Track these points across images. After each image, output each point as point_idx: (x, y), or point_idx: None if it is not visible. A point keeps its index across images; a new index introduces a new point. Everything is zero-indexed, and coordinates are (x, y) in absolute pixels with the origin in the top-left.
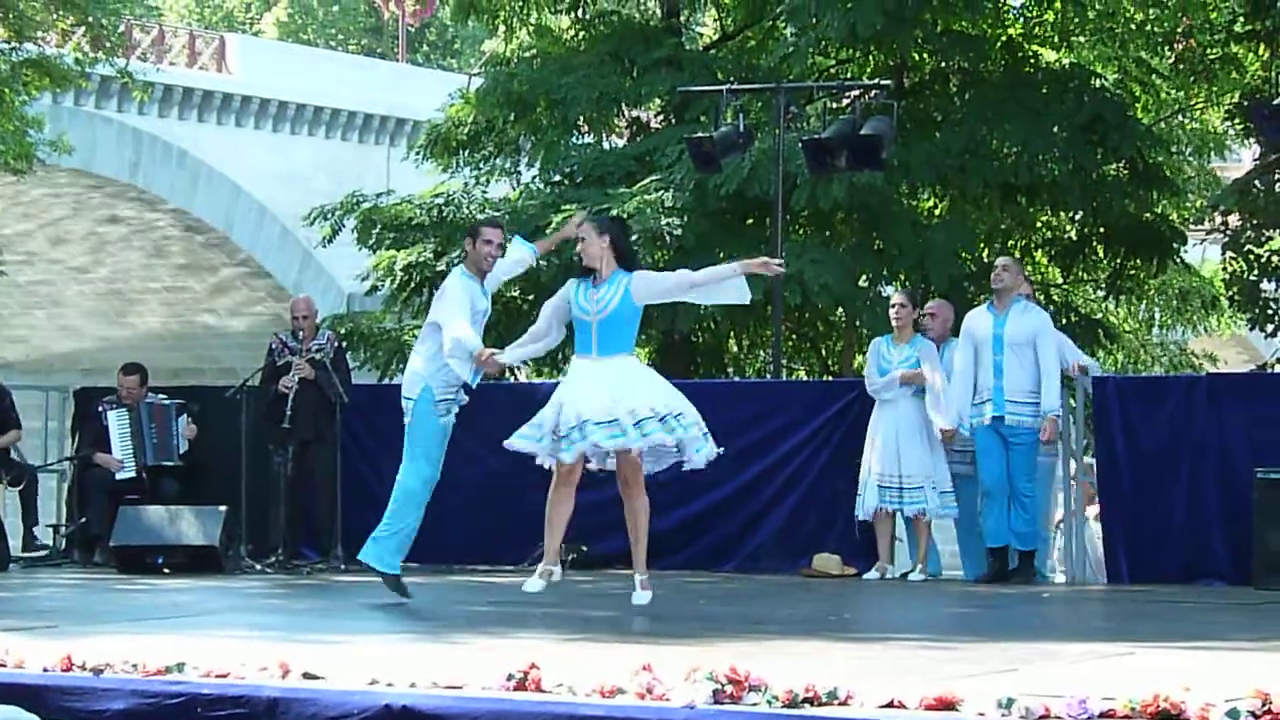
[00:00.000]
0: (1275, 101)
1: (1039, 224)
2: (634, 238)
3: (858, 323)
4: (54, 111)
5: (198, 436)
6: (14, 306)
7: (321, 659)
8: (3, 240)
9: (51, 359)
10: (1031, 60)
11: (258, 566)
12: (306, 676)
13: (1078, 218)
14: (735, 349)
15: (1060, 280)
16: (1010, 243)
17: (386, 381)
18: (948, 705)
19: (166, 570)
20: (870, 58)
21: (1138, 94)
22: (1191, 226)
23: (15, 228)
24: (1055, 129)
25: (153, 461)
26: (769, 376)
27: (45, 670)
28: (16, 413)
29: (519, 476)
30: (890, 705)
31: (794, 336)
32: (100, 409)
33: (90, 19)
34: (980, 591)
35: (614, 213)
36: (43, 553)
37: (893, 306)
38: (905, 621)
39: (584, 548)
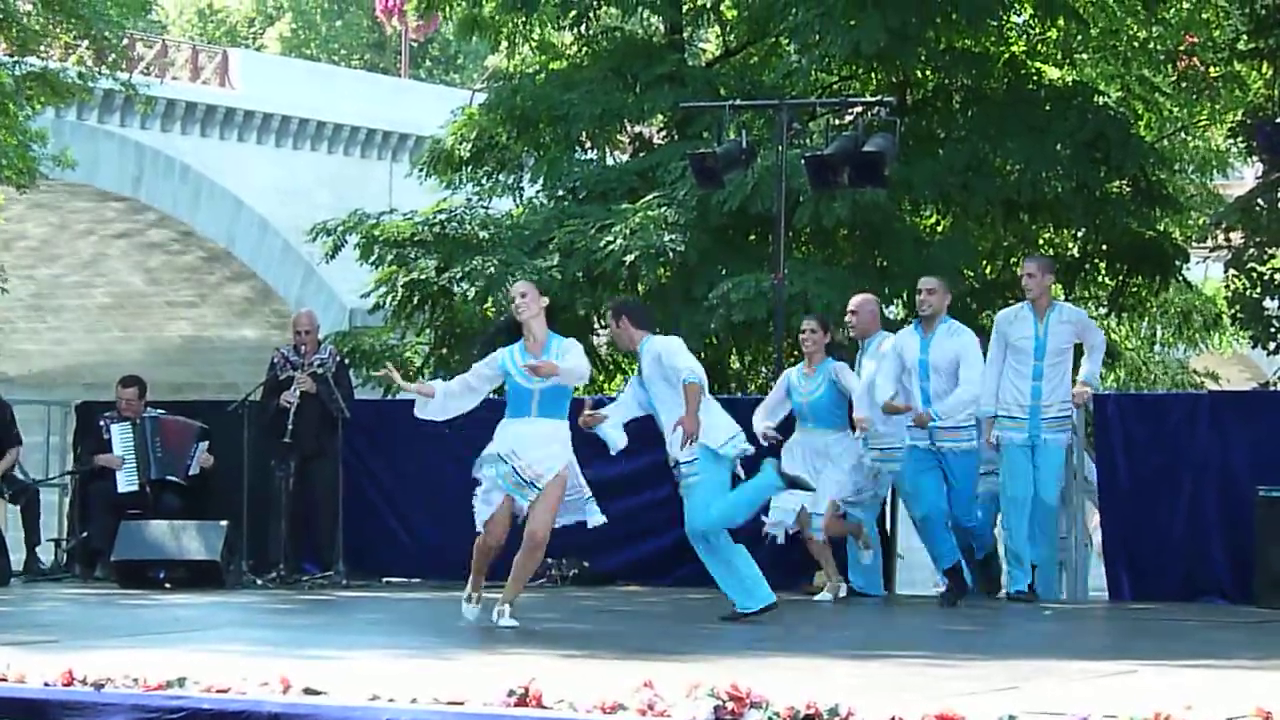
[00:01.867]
0: (1278, 119)
1: (1041, 241)
2: (635, 255)
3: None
4: (56, 125)
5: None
6: (15, 321)
7: (323, 674)
8: (4, 254)
9: (53, 373)
10: (1034, 78)
11: (259, 581)
12: (307, 692)
13: (1080, 235)
14: (737, 365)
15: (1062, 297)
16: (1012, 259)
17: (390, 398)
18: None
19: (168, 585)
20: (873, 74)
21: (1140, 111)
22: (1194, 244)
23: (17, 241)
24: (1058, 146)
25: (157, 476)
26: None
27: (46, 685)
28: (18, 428)
29: None
30: None
31: (795, 353)
32: (102, 423)
33: (93, 32)
34: (980, 609)
35: (616, 228)
36: (44, 571)
37: (802, 333)
38: (906, 639)
39: (585, 564)
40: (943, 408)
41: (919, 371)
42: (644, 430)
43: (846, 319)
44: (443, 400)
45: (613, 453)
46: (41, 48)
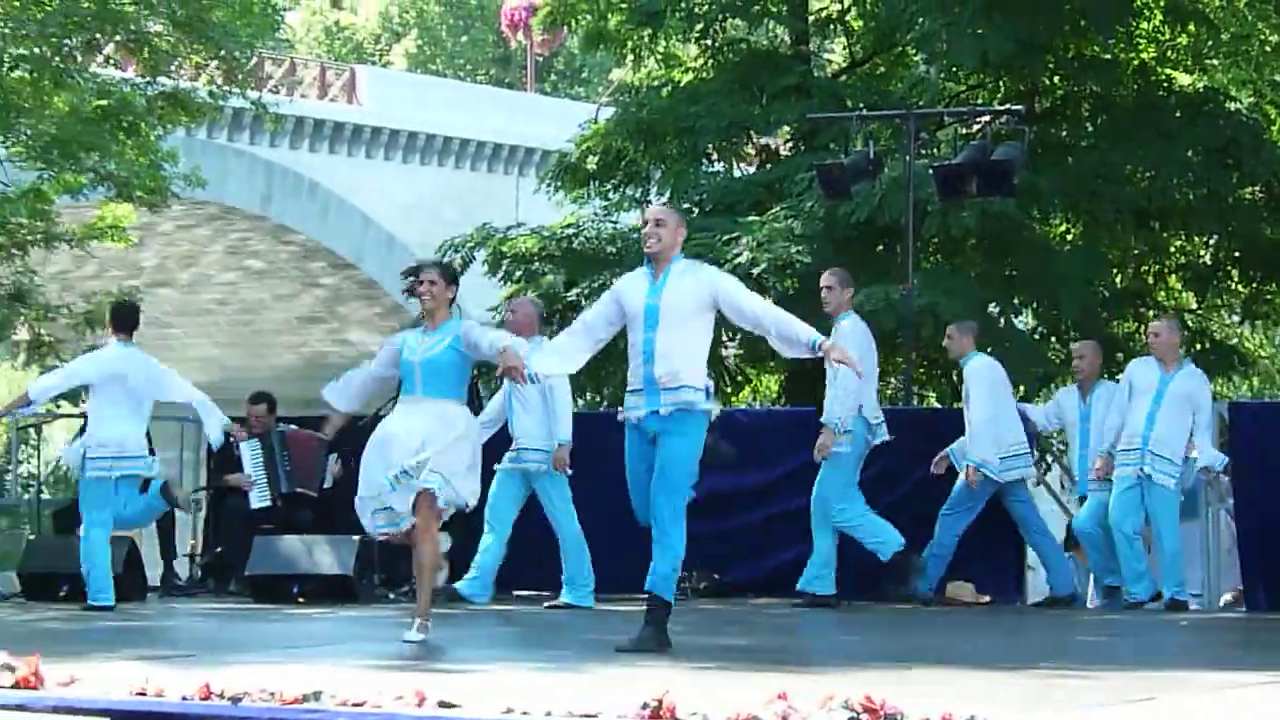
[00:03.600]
0: None
1: (1173, 249)
2: (761, 268)
3: (988, 350)
4: (187, 144)
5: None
6: (148, 339)
7: (457, 687)
8: (137, 273)
9: None
10: (1164, 84)
11: (391, 595)
12: (442, 705)
13: (1212, 242)
14: None
15: (1194, 306)
16: (1144, 268)
17: None
18: None
19: (301, 599)
20: (1001, 83)
21: (1273, 117)
22: None
23: (149, 261)
24: (1188, 153)
25: (287, 490)
26: (900, 404)
27: (184, 699)
28: (153, 445)
29: None
30: None
31: (924, 363)
32: (232, 440)
33: (223, 52)
34: (1115, 619)
35: (743, 240)
36: (179, 586)
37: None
38: (1039, 650)
39: (716, 576)
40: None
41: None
42: (775, 443)
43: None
44: (359, 389)
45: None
46: (172, 68)
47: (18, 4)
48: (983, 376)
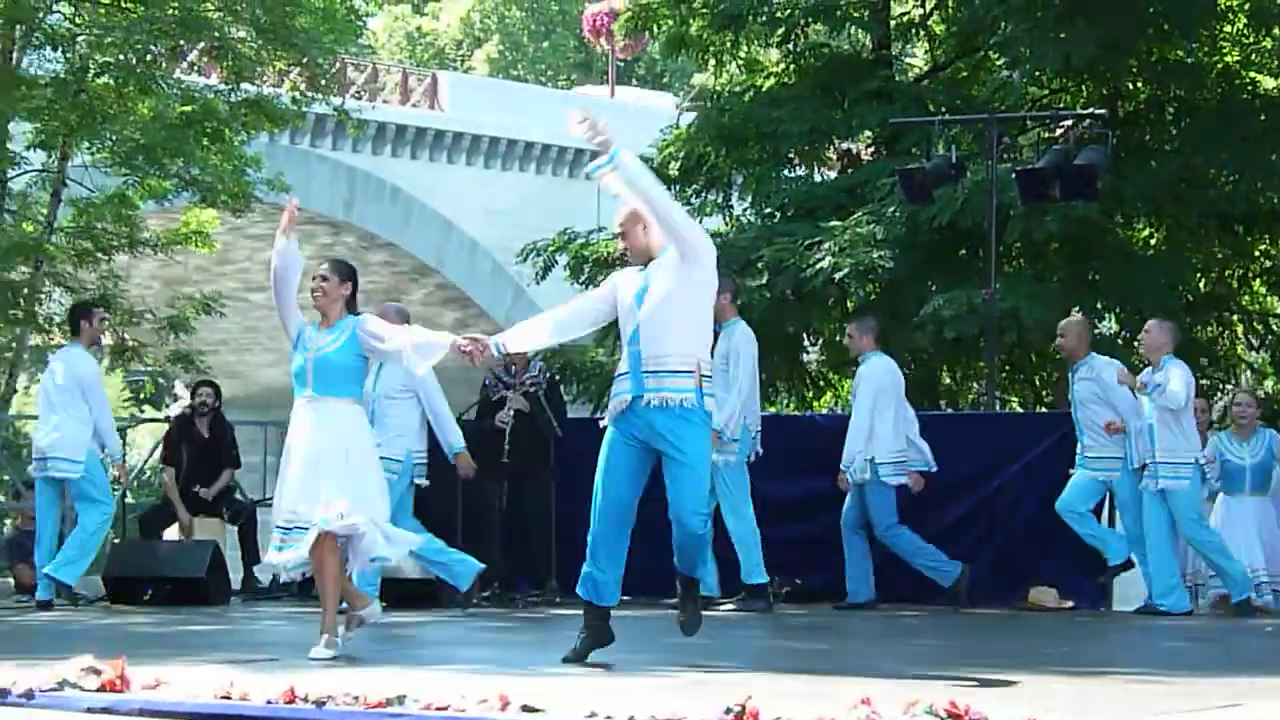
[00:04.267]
0: None
1: (1256, 253)
2: (843, 273)
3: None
4: (270, 150)
5: None
6: (232, 344)
7: (540, 691)
8: (222, 278)
9: (269, 394)
10: (1248, 88)
11: (474, 599)
12: (525, 709)
13: None
14: (948, 381)
15: (1279, 310)
16: (1227, 272)
17: (600, 415)
18: None
19: (384, 603)
20: (1083, 87)
21: None
22: None
23: (234, 266)
24: (1273, 156)
25: None
26: (982, 409)
27: (269, 703)
28: (238, 449)
29: None
30: None
31: (1007, 368)
32: None
33: (306, 59)
34: (1198, 625)
35: (825, 245)
36: (262, 590)
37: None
38: (1123, 655)
39: (797, 581)
40: None
41: None
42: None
43: (1056, 341)
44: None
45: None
46: (255, 75)
47: (104, 13)
48: (868, 379)
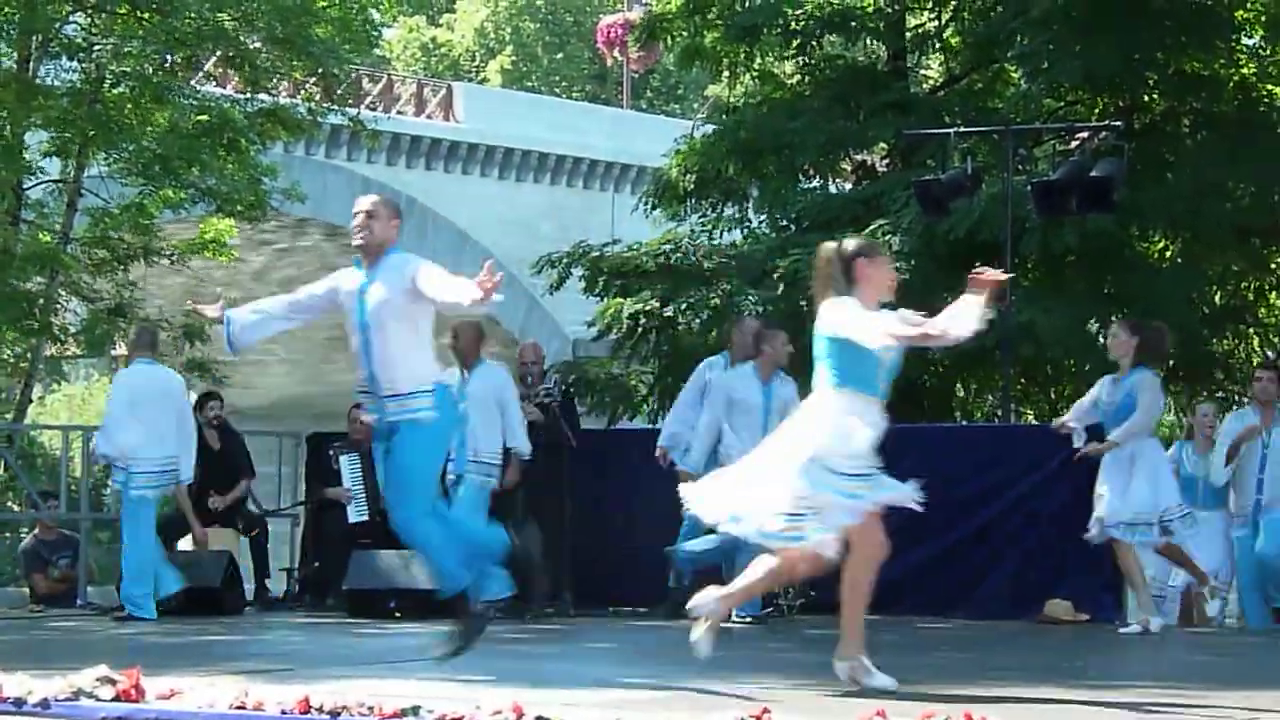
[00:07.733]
0: None
1: (1274, 265)
2: None
3: (1087, 367)
4: (285, 160)
5: None
6: (246, 354)
7: (554, 702)
8: (237, 287)
9: (283, 405)
10: (1265, 100)
11: (491, 612)
12: None
13: None
14: (962, 393)
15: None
16: (1243, 285)
17: (615, 427)
18: None
19: (399, 614)
20: (1099, 99)
21: None
22: None
23: (248, 275)
24: None
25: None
26: (998, 421)
27: (283, 712)
28: (250, 459)
29: None
30: None
31: (1022, 380)
32: (331, 453)
33: (322, 69)
34: (1218, 639)
35: None
36: (275, 601)
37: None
38: (1141, 669)
39: (812, 593)
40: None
41: None
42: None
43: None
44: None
45: None
46: (272, 85)
47: (120, 23)
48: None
